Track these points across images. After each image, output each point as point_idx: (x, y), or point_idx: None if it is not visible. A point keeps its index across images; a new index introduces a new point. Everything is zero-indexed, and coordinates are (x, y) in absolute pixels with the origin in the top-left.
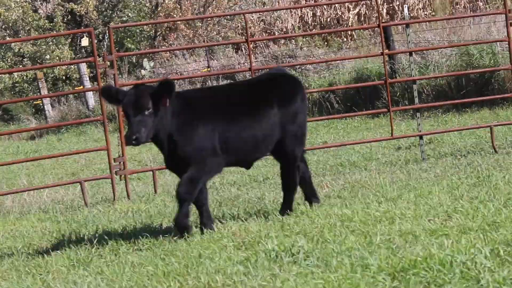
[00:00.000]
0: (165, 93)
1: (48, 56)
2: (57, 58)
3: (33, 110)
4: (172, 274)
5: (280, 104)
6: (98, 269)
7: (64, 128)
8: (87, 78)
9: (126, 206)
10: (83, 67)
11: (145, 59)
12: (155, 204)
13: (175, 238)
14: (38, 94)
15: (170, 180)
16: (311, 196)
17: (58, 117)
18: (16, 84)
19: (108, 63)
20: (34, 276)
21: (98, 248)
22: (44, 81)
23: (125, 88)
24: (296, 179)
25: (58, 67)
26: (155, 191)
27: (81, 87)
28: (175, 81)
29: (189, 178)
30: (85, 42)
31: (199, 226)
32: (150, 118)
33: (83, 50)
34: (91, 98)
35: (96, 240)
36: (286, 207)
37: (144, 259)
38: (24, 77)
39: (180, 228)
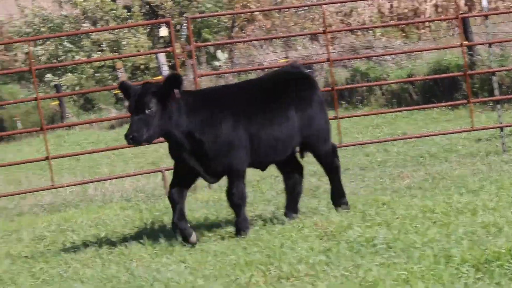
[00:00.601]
0: (174, 88)
1: (124, 42)
2: (134, 46)
3: (115, 99)
4: (254, 263)
5: (297, 105)
6: (181, 257)
7: None
8: (166, 68)
9: (207, 196)
10: (162, 56)
11: (219, 51)
12: None
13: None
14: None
15: (251, 170)
16: (291, 210)
17: None
18: (97, 74)
19: (187, 54)
20: (118, 264)
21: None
22: (123, 71)
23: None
24: (337, 163)
25: (135, 56)
26: None
27: (160, 76)
28: (254, 71)
29: (233, 184)
30: (163, 32)
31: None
32: (152, 117)
33: (161, 40)
34: None
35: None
36: (340, 197)
37: (227, 248)
38: (103, 66)
39: (242, 231)
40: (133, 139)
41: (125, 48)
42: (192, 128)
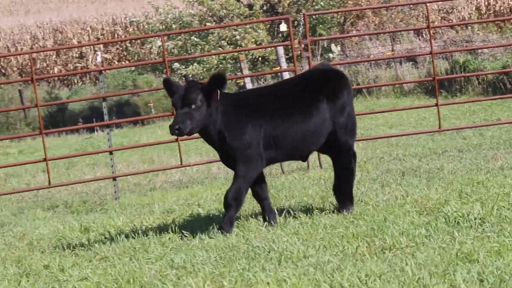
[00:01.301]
0: (217, 87)
1: (245, 38)
2: (253, 40)
3: (236, 88)
4: (360, 235)
5: (328, 100)
6: (294, 229)
7: None
8: (284, 60)
9: (318, 174)
10: (281, 50)
11: (333, 44)
12: None
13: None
14: (240, 73)
15: (358, 152)
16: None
17: None
18: (221, 65)
19: (303, 47)
20: (238, 235)
21: (295, 211)
22: (245, 62)
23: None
24: (353, 168)
25: (256, 50)
26: None
27: (278, 67)
28: (362, 63)
29: (236, 184)
30: (283, 27)
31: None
32: (196, 112)
33: (280, 35)
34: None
35: (291, 204)
36: (346, 197)
37: (335, 221)
38: (225, 59)
39: (224, 232)
40: (178, 130)
41: (245, 42)
42: (222, 127)
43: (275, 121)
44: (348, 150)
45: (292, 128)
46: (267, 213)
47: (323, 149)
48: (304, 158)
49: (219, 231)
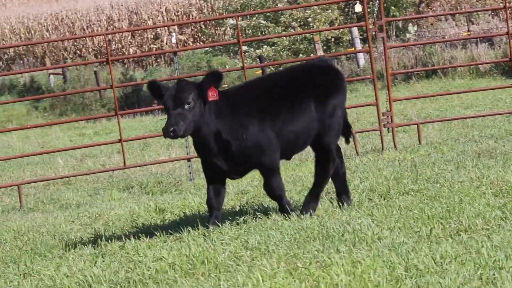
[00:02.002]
0: (213, 84)
1: (315, 19)
2: (324, 20)
3: None
4: (435, 217)
5: (318, 97)
6: (368, 211)
7: None
8: (358, 41)
9: (393, 156)
10: (355, 30)
11: (410, 24)
12: (419, 154)
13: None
14: (315, 54)
15: (433, 133)
16: (342, 193)
17: None
18: (293, 45)
19: (378, 27)
20: (312, 216)
21: (368, 193)
22: (319, 43)
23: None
24: (329, 171)
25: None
26: (420, 142)
27: (353, 48)
28: (438, 44)
29: (268, 178)
30: (358, 8)
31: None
32: (190, 112)
33: (354, 16)
34: (362, 59)
35: (365, 185)
36: (312, 198)
37: (410, 203)
38: (297, 40)
39: (289, 212)
40: (173, 132)
41: (316, 24)
42: (219, 127)
43: (273, 118)
44: (328, 152)
45: (287, 127)
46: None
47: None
48: (289, 157)
49: (286, 216)
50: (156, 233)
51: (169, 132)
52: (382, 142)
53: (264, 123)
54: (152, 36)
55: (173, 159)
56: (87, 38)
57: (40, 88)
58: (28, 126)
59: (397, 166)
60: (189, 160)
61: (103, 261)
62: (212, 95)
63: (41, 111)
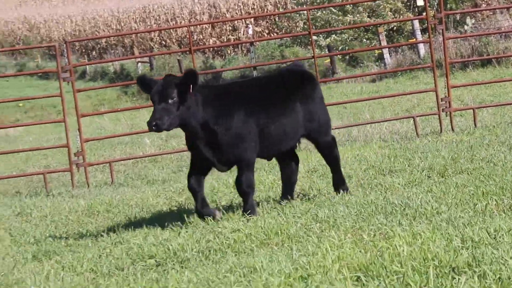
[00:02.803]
0: (190, 83)
1: (380, 5)
2: (390, 8)
3: (374, 57)
4: (490, 194)
5: (301, 99)
6: (428, 188)
7: (400, 73)
8: (419, 32)
9: (450, 138)
10: (416, 22)
11: (468, 17)
12: (475, 136)
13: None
14: (379, 44)
15: (487, 117)
16: (287, 194)
17: (395, 64)
18: (357, 35)
19: (437, 20)
20: (376, 192)
21: (428, 171)
22: (383, 34)
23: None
24: (336, 153)
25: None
26: (475, 126)
27: (414, 39)
28: (493, 35)
29: (242, 172)
30: (420, 2)
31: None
32: (174, 106)
33: (416, 9)
34: (422, 49)
35: (425, 164)
36: (339, 181)
37: (466, 181)
38: (362, 31)
39: (253, 211)
40: (156, 126)
41: (383, 14)
42: (207, 118)
43: (259, 114)
44: (330, 146)
45: (271, 126)
46: (203, 205)
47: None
48: (270, 158)
49: (247, 216)
50: (234, 206)
51: (152, 125)
52: (440, 125)
53: (248, 117)
54: (230, 28)
55: None
56: (171, 30)
57: (129, 75)
58: (119, 109)
59: (454, 147)
60: None
61: (186, 231)
62: (190, 93)
63: (130, 95)
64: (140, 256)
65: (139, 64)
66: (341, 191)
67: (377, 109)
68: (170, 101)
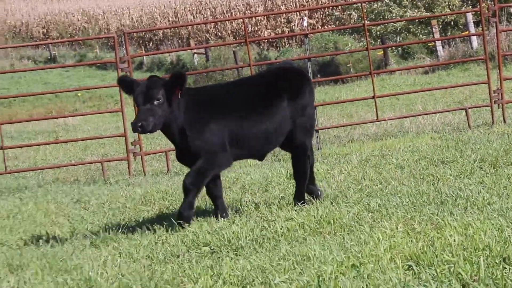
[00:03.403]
0: (177, 85)
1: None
2: (446, 4)
3: (426, 50)
4: None
5: (289, 98)
6: (479, 179)
7: (452, 65)
8: (472, 25)
9: (502, 129)
10: (469, 15)
11: None
12: None
13: (176, 227)
14: (432, 37)
15: None
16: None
17: (447, 56)
18: (410, 26)
19: (491, 12)
20: (428, 183)
21: (479, 162)
22: (436, 27)
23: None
24: (306, 169)
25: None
26: None
27: (467, 32)
28: None
29: (196, 170)
30: None
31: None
32: (159, 108)
33: (470, 1)
34: (475, 41)
35: (477, 156)
36: (298, 196)
37: None
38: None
39: (183, 217)
40: (141, 127)
41: (438, 4)
42: (184, 124)
43: (237, 119)
44: (304, 151)
45: (254, 127)
46: (219, 211)
47: (282, 146)
48: (262, 157)
49: (179, 216)
50: (286, 196)
51: (137, 127)
52: (492, 117)
53: (220, 123)
54: (284, 20)
55: None
56: (227, 22)
57: (185, 66)
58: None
59: (506, 138)
60: (316, 131)
61: (240, 220)
62: (177, 95)
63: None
64: (195, 243)
65: (195, 55)
66: (297, 203)
67: (429, 101)
68: (155, 102)
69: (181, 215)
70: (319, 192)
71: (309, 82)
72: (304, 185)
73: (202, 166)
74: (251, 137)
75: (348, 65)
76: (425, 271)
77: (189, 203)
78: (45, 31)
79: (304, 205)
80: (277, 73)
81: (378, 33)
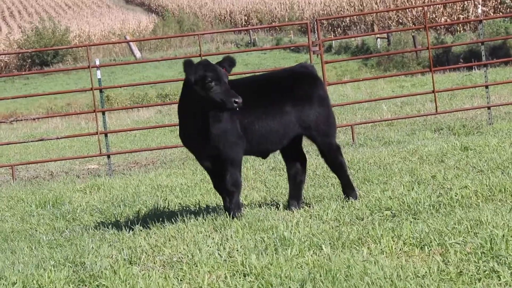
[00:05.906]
0: (226, 67)
1: None
2: None
3: None
4: None
5: (297, 101)
6: None
7: None
8: None
9: None
10: None
11: None
12: None
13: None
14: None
15: None
16: (294, 198)
17: None
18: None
19: None
20: None
21: None
22: None
23: None
24: (342, 162)
25: None
26: None
27: None
28: None
29: (231, 175)
30: None
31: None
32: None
33: None
34: None
35: None
36: (348, 187)
37: None
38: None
39: (236, 217)
40: (236, 103)
41: None
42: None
43: (247, 113)
44: (329, 149)
45: (261, 124)
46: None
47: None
48: (265, 156)
49: (231, 216)
50: (461, 166)
51: (234, 103)
52: None
53: (235, 117)
54: (460, 8)
55: (475, 107)
56: (407, 9)
57: (369, 49)
58: (360, 79)
59: None
60: (489, 108)
61: (419, 187)
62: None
63: (370, 67)
64: (377, 207)
65: (378, 39)
66: (349, 197)
67: None
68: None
69: (233, 213)
70: (298, 207)
71: (321, 86)
72: (346, 175)
73: (230, 165)
74: (259, 134)
75: None
76: None
77: (236, 203)
78: (246, 18)
79: (356, 194)
80: (290, 74)
81: None
